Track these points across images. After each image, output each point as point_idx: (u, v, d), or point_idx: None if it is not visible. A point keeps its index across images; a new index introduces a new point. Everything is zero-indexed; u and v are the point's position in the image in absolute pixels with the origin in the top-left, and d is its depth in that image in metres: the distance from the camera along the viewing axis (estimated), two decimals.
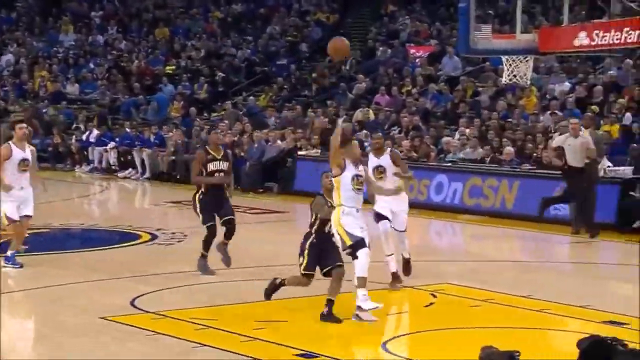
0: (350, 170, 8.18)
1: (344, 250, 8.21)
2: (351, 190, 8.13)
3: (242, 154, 18.90)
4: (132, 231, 13.47)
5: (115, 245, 12.49)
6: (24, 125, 10.84)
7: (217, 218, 10.15)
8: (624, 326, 8.17)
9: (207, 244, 10.14)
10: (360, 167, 8.36)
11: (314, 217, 8.48)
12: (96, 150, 22.28)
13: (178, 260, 11.22)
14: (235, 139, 19.68)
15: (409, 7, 26.75)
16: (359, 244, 8.01)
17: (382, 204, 9.54)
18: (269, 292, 8.64)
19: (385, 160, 9.63)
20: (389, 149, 10.13)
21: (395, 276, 9.57)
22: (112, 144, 21.98)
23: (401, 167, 9.81)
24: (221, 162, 10.17)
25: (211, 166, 10.13)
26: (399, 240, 9.72)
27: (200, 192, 10.16)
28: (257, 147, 19.07)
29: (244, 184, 18.03)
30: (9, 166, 10.39)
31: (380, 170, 9.57)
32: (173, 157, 20.55)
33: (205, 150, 10.30)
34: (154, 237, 12.97)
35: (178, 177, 20.19)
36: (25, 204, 10.49)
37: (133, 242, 12.59)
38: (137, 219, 14.81)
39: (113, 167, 21.81)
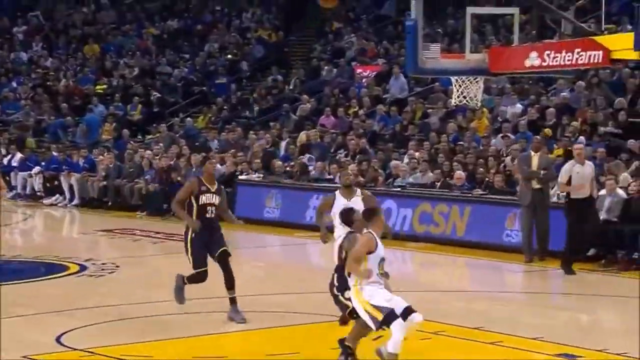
0: (378, 252, 7.73)
1: (377, 328, 7.75)
2: (375, 275, 7.73)
3: (179, 178, 18.81)
4: (59, 262, 13.30)
5: (41, 278, 12.32)
6: None
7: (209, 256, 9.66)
8: (578, 359, 8.34)
9: (192, 280, 9.68)
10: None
11: (344, 255, 8.10)
12: (19, 175, 21.96)
13: (109, 293, 11.11)
14: (172, 162, 19.61)
15: (354, 24, 27.02)
16: (390, 316, 7.56)
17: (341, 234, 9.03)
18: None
19: (356, 202, 9.13)
20: (358, 189, 9.68)
21: (350, 312, 9.41)
22: (37, 169, 21.69)
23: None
24: (214, 196, 9.60)
25: (203, 198, 9.54)
26: None
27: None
28: (195, 171, 19.00)
29: None
30: None
31: None
32: (104, 183, 20.37)
33: (198, 180, 9.70)
34: (82, 268, 12.84)
35: (109, 203, 20.03)
36: None
37: (60, 274, 12.43)
38: (64, 249, 14.63)
39: (38, 194, 21.52)
